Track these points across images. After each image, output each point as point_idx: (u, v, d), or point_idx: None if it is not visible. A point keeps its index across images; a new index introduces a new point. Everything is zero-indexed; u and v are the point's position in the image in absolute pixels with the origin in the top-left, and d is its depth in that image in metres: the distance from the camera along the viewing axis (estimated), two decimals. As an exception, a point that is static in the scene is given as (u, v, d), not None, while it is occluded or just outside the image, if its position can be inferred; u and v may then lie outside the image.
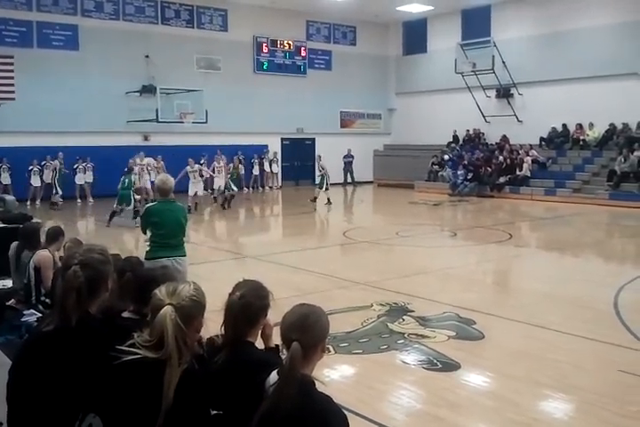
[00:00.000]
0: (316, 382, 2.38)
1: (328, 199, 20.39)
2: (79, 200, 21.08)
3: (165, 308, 2.42)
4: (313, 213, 19.11)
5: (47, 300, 5.40)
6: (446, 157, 25.44)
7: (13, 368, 2.72)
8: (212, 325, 2.76)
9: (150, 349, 2.40)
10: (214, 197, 20.11)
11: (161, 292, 2.52)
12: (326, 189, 20.08)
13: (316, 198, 20.02)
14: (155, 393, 2.32)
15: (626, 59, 21.82)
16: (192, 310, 2.50)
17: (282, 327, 2.44)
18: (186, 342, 2.41)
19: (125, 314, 3.02)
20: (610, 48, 22.32)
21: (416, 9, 26.94)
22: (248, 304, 2.69)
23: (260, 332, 2.80)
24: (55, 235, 5.98)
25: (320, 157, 21.25)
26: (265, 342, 2.85)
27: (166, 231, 6.46)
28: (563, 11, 23.52)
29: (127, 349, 2.42)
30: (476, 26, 26.83)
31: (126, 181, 15.76)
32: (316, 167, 21.59)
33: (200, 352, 2.63)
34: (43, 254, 5.65)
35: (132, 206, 15.63)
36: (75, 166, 21.10)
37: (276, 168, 26.54)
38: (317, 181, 21.35)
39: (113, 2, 22.96)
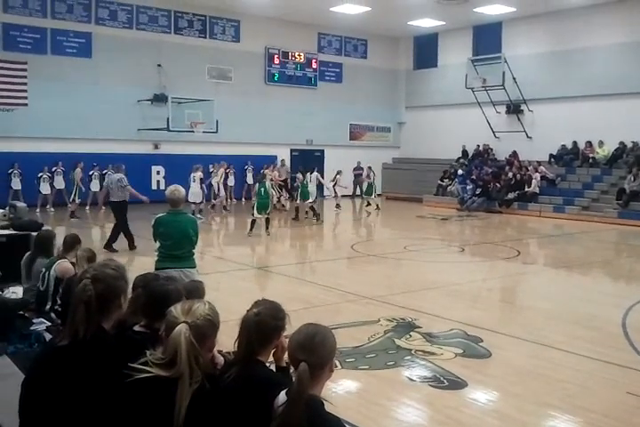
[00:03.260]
0: (324, 402, 2.38)
1: (376, 205, 23.31)
2: (87, 207, 21.11)
3: (180, 326, 2.43)
4: (321, 224, 19.14)
5: (59, 308, 5.42)
6: (460, 171, 25.42)
7: (26, 382, 2.73)
8: (220, 337, 2.75)
9: (162, 367, 2.41)
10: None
11: (176, 309, 2.53)
12: (374, 196, 23.47)
13: (369, 204, 23.44)
14: (166, 412, 2.32)
15: (636, 77, 21.83)
16: (206, 329, 2.51)
17: (289, 348, 2.45)
18: (198, 361, 2.42)
19: (137, 328, 3.03)
20: (620, 66, 22.37)
21: (427, 24, 27.07)
22: (263, 322, 2.70)
23: (272, 352, 2.81)
24: (72, 243, 6.02)
25: (370, 168, 24.25)
26: (276, 362, 2.86)
27: (172, 242, 6.45)
28: (574, 29, 23.60)
29: (140, 367, 2.42)
30: (487, 42, 26.95)
31: (262, 190, 15.94)
32: (365, 175, 24.19)
33: (212, 372, 2.63)
34: (65, 265, 5.67)
35: (266, 215, 15.93)
36: (90, 173, 21.20)
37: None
38: (365, 188, 24.25)
39: (127, 11, 23.15)
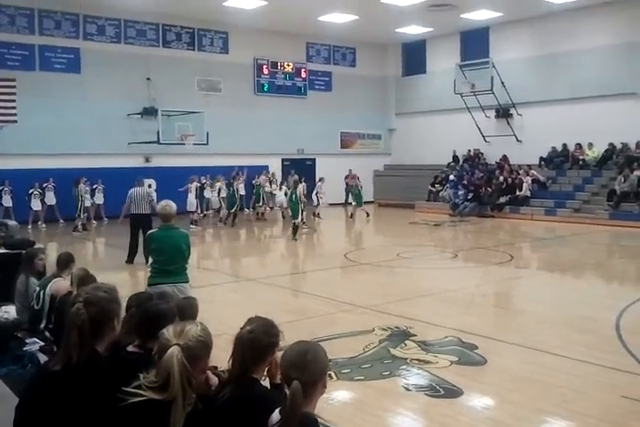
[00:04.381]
0: (318, 419, 2.40)
1: (367, 213, 22.93)
2: (79, 223, 20.95)
3: (172, 348, 2.44)
4: (313, 233, 19.19)
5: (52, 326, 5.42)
6: (451, 176, 25.52)
7: (21, 406, 2.73)
8: (214, 350, 2.75)
9: (156, 390, 2.41)
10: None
11: (168, 332, 2.54)
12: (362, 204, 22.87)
13: (368, 214, 22.92)
14: None
15: (623, 79, 22.00)
16: (198, 351, 2.52)
17: (281, 366, 2.47)
18: (191, 383, 2.43)
19: (130, 348, 3.03)
20: (608, 68, 22.52)
21: (415, 31, 27.20)
22: (257, 340, 2.71)
23: (266, 369, 2.82)
24: (66, 261, 6.03)
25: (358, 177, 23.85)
26: (270, 379, 2.87)
27: (165, 258, 6.48)
28: (560, 32, 23.75)
29: (133, 391, 2.43)
30: (474, 47, 27.08)
31: (293, 196, 17.11)
32: (355, 184, 23.47)
33: (206, 392, 2.64)
34: (61, 283, 5.68)
35: (299, 220, 17.12)
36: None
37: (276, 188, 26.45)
38: (351, 198, 23.89)
39: (114, 25, 23.20)
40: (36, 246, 7.98)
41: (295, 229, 17.12)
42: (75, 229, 18.99)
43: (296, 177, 23.97)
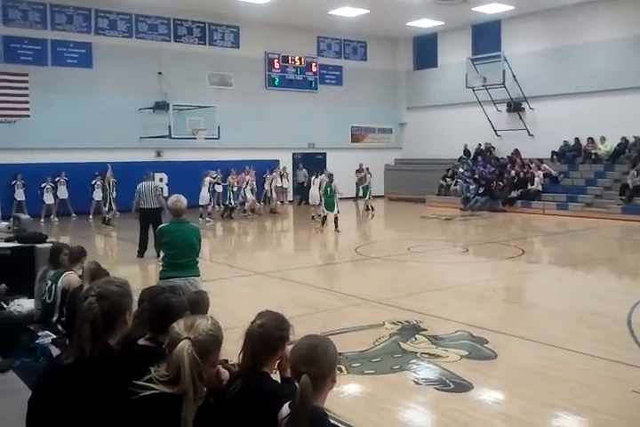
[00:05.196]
0: (328, 413, 2.41)
1: (372, 207, 22.31)
2: (91, 216, 21.06)
3: (182, 342, 2.46)
4: (324, 228, 19.18)
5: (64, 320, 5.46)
6: (461, 169, 25.47)
7: (33, 400, 2.76)
8: (225, 344, 2.77)
9: (167, 384, 2.43)
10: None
11: (179, 326, 2.56)
12: (369, 198, 22.27)
13: (368, 208, 22.19)
14: None
15: (635, 72, 21.84)
16: (209, 345, 2.53)
17: (291, 360, 2.48)
18: (202, 377, 2.44)
19: (141, 342, 3.06)
20: (620, 62, 22.36)
21: (426, 24, 27.12)
22: (267, 334, 2.73)
23: (276, 363, 2.84)
24: (79, 255, 6.07)
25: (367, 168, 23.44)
26: (281, 373, 2.89)
27: (177, 252, 6.52)
28: (572, 25, 23.61)
29: (144, 384, 2.45)
30: (486, 40, 26.97)
31: (328, 189, 17.84)
32: (366, 178, 23.03)
33: (217, 386, 2.66)
34: (73, 277, 5.71)
35: (335, 211, 17.69)
36: (93, 182, 21.10)
37: (287, 183, 26.53)
38: (361, 191, 23.17)
39: (126, 20, 23.25)
40: (48, 240, 8.05)
41: (336, 221, 17.55)
42: (107, 222, 19.22)
43: (305, 171, 24.07)
